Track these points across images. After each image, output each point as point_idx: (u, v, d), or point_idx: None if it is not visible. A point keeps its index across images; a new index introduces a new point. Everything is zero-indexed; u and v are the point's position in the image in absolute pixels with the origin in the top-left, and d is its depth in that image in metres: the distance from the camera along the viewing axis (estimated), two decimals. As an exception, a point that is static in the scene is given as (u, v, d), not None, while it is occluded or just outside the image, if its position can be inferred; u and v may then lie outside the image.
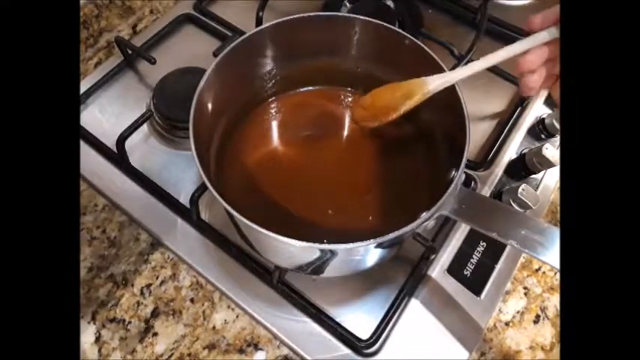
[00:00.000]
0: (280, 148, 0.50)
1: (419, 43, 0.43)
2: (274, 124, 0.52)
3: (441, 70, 0.42)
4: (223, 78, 0.43)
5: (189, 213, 0.49)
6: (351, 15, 0.45)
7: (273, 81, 0.51)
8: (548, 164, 0.52)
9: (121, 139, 0.51)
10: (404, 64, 0.46)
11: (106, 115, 0.57)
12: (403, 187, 0.48)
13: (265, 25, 0.44)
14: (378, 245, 0.37)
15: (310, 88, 0.53)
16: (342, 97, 0.53)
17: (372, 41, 0.47)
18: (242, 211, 0.35)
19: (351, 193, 0.47)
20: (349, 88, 0.53)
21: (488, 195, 0.52)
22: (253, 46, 0.45)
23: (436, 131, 0.47)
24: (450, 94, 0.41)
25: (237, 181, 0.47)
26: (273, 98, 0.52)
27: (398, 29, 0.44)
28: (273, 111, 0.52)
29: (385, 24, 0.44)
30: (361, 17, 0.45)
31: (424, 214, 0.36)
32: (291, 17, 0.44)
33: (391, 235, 0.34)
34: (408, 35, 0.43)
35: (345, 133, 0.52)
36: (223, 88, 0.44)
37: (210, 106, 0.43)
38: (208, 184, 0.36)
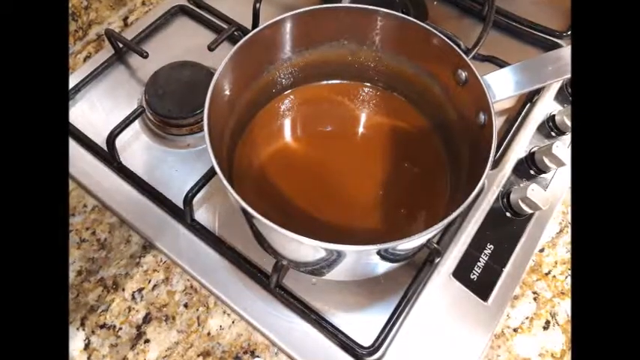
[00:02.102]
0: (292, 144, 0.51)
1: (447, 40, 0.44)
2: (287, 119, 0.52)
3: (469, 69, 0.42)
4: (238, 69, 0.44)
5: (182, 214, 0.49)
6: (374, 7, 0.46)
7: (289, 73, 0.51)
8: (558, 163, 0.52)
9: (112, 137, 0.51)
10: (428, 60, 0.47)
11: (95, 111, 0.57)
12: (419, 190, 0.48)
13: (284, 15, 0.45)
14: (386, 251, 0.37)
15: (326, 82, 0.54)
16: (360, 92, 0.53)
17: (394, 36, 0.48)
18: (252, 204, 0.35)
19: (365, 194, 0.48)
20: (368, 84, 0.53)
21: (495, 195, 0.52)
22: (269, 37, 0.46)
23: (457, 132, 0.47)
24: (474, 91, 0.41)
25: (246, 174, 0.48)
26: (289, 91, 0.53)
27: (425, 25, 0.45)
28: (286, 105, 0.53)
29: (412, 19, 0.45)
30: (384, 10, 0.45)
31: (440, 222, 0.35)
32: (312, 8, 0.45)
33: (405, 241, 0.34)
34: (437, 33, 0.44)
35: (362, 130, 0.52)
36: (237, 79, 0.45)
37: (223, 98, 0.44)
38: (222, 178, 0.36)
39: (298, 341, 0.45)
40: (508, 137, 0.56)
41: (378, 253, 0.37)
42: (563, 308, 0.49)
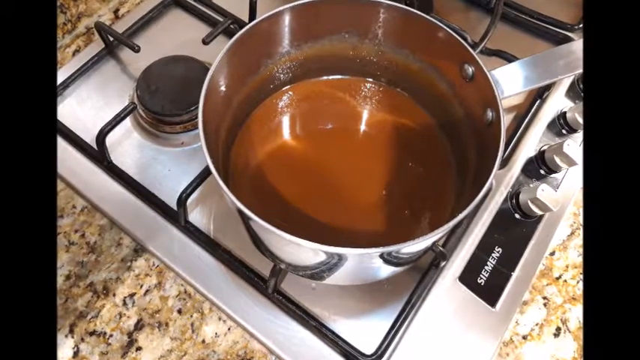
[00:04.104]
0: (291, 142, 0.51)
1: (452, 33, 0.44)
2: (286, 116, 0.52)
3: (476, 64, 0.42)
4: (234, 64, 0.44)
5: (176, 216, 0.49)
6: None
7: (287, 68, 0.51)
8: (570, 162, 0.52)
9: (102, 135, 0.51)
10: (433, 55, 0.47)
11: (85, 108, 0.57)
12: (424, 191, 0.48)
13: (282, 7, 0.45)
14: (390, 255, 0.37)
15: (326, 77, 0.54)
16: (362, 88, 0.54)
17: (398, 29, 0.48)
18: (249, 205, 0.35)
19: (367, 194, 0.48)
20: (370, 79, 0.53)
21: (503, 196, 0.52)
22: (267, 30, 0.46)
23: (463, 129, 0.47)
24: (481, 86, 0.41)
25: (243, 174, 0.48)
26: (287, 87, 0.53)
27: (430, 17, 0.45)
28: (285, 101, 0.53)
29: (416, 11, 0.45)
30: (387, 2, 0.45)
31: (446, 224, 0.35)
32: (311, 0, 0.45)
33: (409, 244, 0.34)
34: (443, 26, 0.44)
35: (364, 128, 0.52)
36: (233, 75, 0.45)
37: (219, 94, 0.44)
38: (218, 178, 0.36)
39: (297, 349, 0.45)
40: (517, 135, 0.56)
41: (381, 256, 0.37)
42: (575, 314, 0.49)
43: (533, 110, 0.58)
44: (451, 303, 0.47)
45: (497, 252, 0.49)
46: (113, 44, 0.60)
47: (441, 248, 0.45)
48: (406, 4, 0.63)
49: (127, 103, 0.54)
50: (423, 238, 0.35)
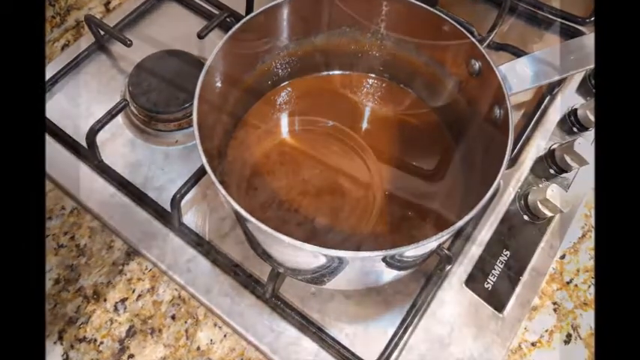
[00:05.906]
0: (290, 141, 0.51)
1: (458, 27, 0.44)
2: (284, 113, 0.53)
3: (483, 58, 0.42)
4: (230, 59, 0.44)
5: (170, 217, 0.49)
6: None
7: (286, 63, 0.51)
8: (581, 161, 0.52)
9: (92, 133, 0.51)
10: (438, 49, 0.47)
11: (74, 105, 0.57)
12: (429, 191, 0.48)
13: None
14: (393, 258, 0.37)
15: (327, 73, 0.54)
16: (364, 84, 0.54)
17: (401, 22, 0.48)
18: (246, 206, 0.35)
19: (369, 195, 0.48)
20: (372, 75, 0.54)
21: (511, 197, 0.52)
22: (265, 23, 0.46)
23: (470, 127, 0.47)
24: (489, 82, 0.41)
25: (240, 174, 0.48)
26: (286, 83, 0.53)
27: (434, 10, 0.45)
28: (283, 98, 0.53)
29: (421, 4, 0.45)
30: None
31: (452, 227, 0.35)
32: None
33: (413, 247, 0.34)
34: (448, 19, 0.44)
35: (366, 126, 0.52)
36: (229, 70, 0.45)
37: (214, 90, 0.44)
38: (213, 178, 0.36)
39: (296, 356, 0.45)
40: (526, 133, 0.56)
41: (384, 259, 0.37)
42: (586, 320, 0.49)
43: (542, 107, 0.58)
44: (457, 308, 0.47)
45: (505, 255, 0.49)
46: (104, 38, 0.60)
47: (446, 251, 0.45)
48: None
49: (118, 100, 0.54)
50: (427, 240, 0.35)
